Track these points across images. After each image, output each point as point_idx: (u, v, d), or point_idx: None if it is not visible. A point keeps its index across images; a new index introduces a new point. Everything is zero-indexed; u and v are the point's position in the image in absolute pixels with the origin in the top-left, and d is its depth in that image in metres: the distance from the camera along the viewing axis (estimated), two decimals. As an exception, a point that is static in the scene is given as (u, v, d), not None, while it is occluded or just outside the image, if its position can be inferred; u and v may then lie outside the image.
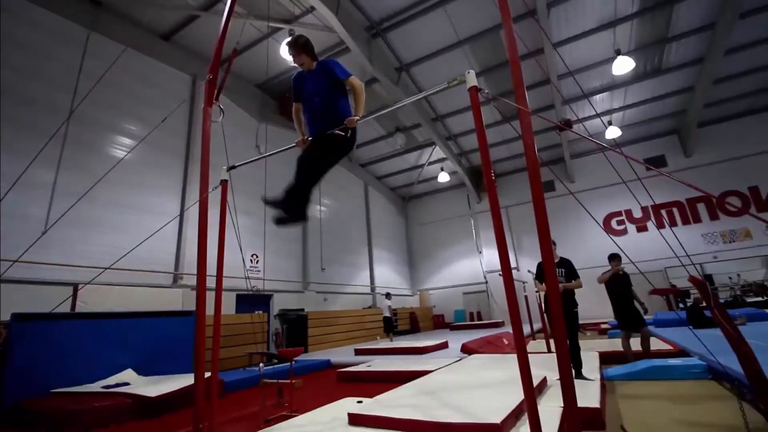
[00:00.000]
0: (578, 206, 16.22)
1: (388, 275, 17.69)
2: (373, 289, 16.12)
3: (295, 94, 3.01)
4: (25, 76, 6.79)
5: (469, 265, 18.31)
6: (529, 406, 1.78)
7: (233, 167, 3.20)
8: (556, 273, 2.39)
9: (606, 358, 5.49)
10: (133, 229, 7.49)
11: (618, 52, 10.14)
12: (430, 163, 16.86)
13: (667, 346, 5.87)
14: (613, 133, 13.29)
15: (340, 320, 12.12)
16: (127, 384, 4.71)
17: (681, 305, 12.61)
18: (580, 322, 5.03)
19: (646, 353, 5.18)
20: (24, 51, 6.85)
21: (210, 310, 3.06)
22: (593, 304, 13.59)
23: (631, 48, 10.54)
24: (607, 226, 15.95)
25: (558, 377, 1.85)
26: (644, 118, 14.13)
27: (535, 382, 3.17)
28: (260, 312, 9.54)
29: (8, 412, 4.09)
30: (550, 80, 11.09)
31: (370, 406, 3.07)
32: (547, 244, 2.06)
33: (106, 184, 7.39)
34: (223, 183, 3.17)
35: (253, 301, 9.86)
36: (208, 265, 3.06)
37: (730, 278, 13.79)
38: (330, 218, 14.26)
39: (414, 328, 16.24)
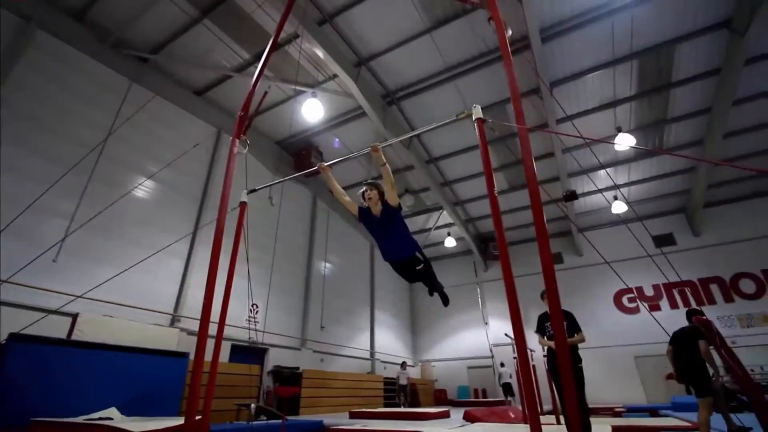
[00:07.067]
0: (587, 281, 15.98)
1: (390, 341, 16.99)
2: (372, 354, 15.41)
3: (359, 216, 3.50)
4: (69, 115, 7.42)
5: (474, 337, 17.42)
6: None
7: (254, 190, 3.38)
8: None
9: (621, 433, 5.07)
10: (140, 265, 7.53)
11: (619, 130, 10.70)
12: (437, 228, 16.96)
13: (685, 423, 5.43)
14: (618, 208, 13.50)
15: (337, 382, 11.49)
16: (110, 419, 4.43)
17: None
18: (591, 406, 4.49)
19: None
20: (71, 93, 7.57)
21: (207, 355, 3.18)
22: (606, 388, 12.87)
23: (632, 127, 11.14)
24: (618, 303, 15.52)
25: None
26: (650, 195, 14.38)
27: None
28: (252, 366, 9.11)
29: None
30: (554, 154, 11.65)
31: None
32: (552, 284, 2.08)
33: (119, 219, 7.64)
34: (242, 204, 3.31)
35: (247, 353, 9.48)
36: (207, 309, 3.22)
37: (752, 370, 12.85)
38: (334, 276, 14.15)
39: (414, 402, 15.17)
